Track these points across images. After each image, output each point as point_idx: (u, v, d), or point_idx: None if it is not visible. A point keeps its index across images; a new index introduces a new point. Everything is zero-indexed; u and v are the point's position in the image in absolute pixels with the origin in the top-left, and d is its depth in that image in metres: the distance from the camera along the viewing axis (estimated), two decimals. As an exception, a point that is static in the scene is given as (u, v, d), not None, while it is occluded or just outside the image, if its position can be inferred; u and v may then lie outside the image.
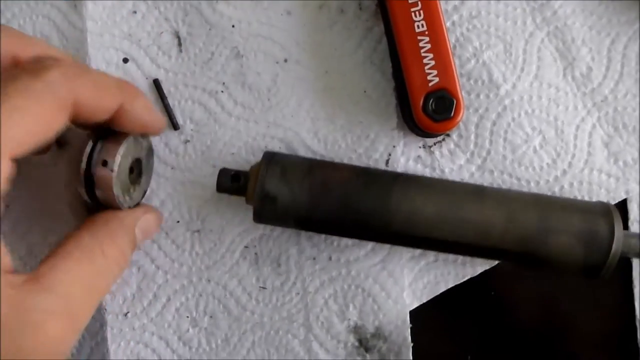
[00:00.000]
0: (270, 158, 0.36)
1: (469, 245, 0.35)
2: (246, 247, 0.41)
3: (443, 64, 0.35)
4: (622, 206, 0.40)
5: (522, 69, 0.40)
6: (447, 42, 0.35)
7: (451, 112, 0.35)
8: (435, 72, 0.35)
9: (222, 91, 0.41)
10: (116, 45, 0.41)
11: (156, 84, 0.41)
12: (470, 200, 0.35)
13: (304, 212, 0.34)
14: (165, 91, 0.41)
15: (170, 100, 0.41)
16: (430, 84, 0.35)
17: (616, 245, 0.34)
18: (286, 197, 0.34)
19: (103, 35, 0.41)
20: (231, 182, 0.36)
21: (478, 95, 0.40)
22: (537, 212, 0.34)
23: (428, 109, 0.35)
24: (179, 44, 0.41)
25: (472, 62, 0.40)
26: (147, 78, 0.41)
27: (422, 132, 0.38)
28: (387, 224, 0.34)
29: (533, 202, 0.35)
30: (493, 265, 0.40)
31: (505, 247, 0.34)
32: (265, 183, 0.35)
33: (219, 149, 0.40)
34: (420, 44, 0.35)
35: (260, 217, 0.36)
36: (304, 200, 0.34)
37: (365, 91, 0.40)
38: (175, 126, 0.41)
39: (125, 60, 0.41)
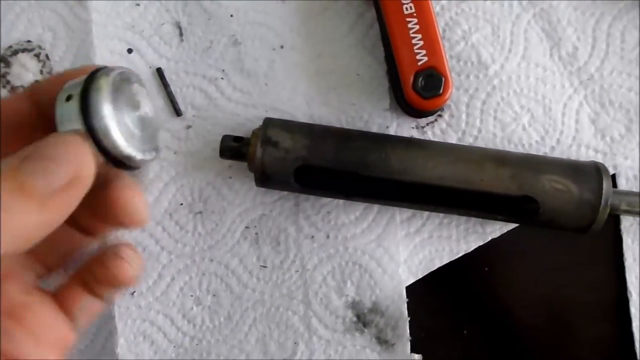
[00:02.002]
0: (271, 119, 0.38)
1: (463, 191, 0.36)
2: (247, 227, 0.42)
3: (431, 44, 0.37)
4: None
5: (510, 50, 0.41)
6: (435, 23, 0.37)
7: (440, 89, 0.36)
8: (424, 51, 0.37)
9: (221, 77, 0.42)
10: (120, 36, 0.43)
11: (159, 72, 0.43)
12: (463, 147, 0.38)
13: (304, 154, 0.36)
14: (167, 79, 0.42)
15: (172, 88, 0.42)
16: (419, 63, 0.37)
17: (606, 185, 0.36)
18: (287, 141, 0.36)
19: (107, 27, 0.43)
20: (233, 141, 0.38)
21: (468, 76, 0.41)
22: (526, 157, 0.37)
23: (418, 87, 0.37)
24: (180, 34, 0.43)
25: (462, 44, 0.41)
26: (150, 67, 0.43)
27: (414, 111, 0.40)
28: (384, 161, 0.36)
29: (523, 154, 0.39)
30: (487, 241, 0.41)
31: (499, 188, 0.36)
32: (267, 131, 0.37)
33: (220, 133, 0.42)
34: (409, 25, 0.37)
35: (262, 170, 0.37)
36: (305, 142, 0.36)
37: (358, 74, 0.42)
38: (177, 112, 0.42)
39: (130, 51, 0.43)
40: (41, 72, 0.44)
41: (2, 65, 0.44)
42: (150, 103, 0.28)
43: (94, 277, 0.29)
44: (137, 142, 0.26)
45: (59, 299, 0.29)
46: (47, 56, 0.44)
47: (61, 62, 0.43)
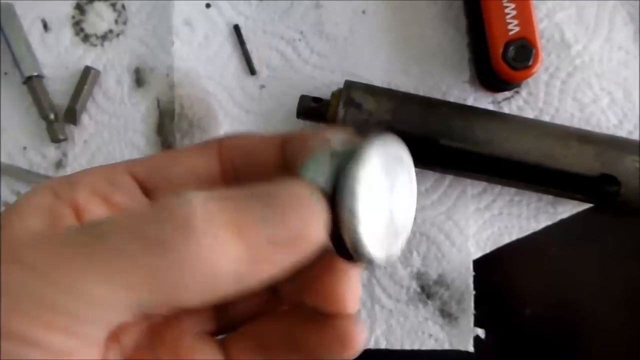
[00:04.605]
0: (353, 82, 0.38)
1: (544, 167, 0.36)
2: (314, 191, 0.42)
3: (524, 14, 0.36)
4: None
5: (594, 31, 0.41)
6: (529, -6, 0.37)
7: (530, 60, 0.36)
8: (516, 21, 0.36)
9: (299, 39, 0.42)
10: (200, -10, 0.42)
11: (236, 29, 0.42)
12: (546, 123, 0.38)
13: (388, 117, 0.36)
14: (244, 37, 0.42)
15: (248, 46, 0.42)
16: (511, 33, 0.36)
17: None
18: (371, 104, 0.36)
19: (188, -20, 0.42)
20: (312, 102, 0.38)
21: (549, 55, 0.41)
22: (609, 137, 0.37)
23: (507, 57, 0.36)
24: (260, -7, 0.42)
25: (545, 22, 0.41)
26: (227, 24, 0.42)
27: (496, 84, 0.39)
28: (469, 131, 0.36)
29: (605, 134, 0.39)
30: (556, 221, 0.41)
31: (583, 166, 0.36)
32: (350, 92, 0.36)
33: (294, 95, 0.41)
34: (503, -5, 0.36)
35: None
36: (389, 106, 0.36)
37: (439, 45, 0.41)
38: (252, 71, 0.42)
39: (208, 6, 0.42)
40: (116, 22, 0.43)
41: (77, 12, 0.44)
42: (410, 187, 0.22)
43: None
44: (379, 239, 0.20)
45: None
46: (123, 6, 0.43)
47: (138, 13, 0.43)
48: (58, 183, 0.21)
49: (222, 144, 0.24)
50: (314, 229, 0.18)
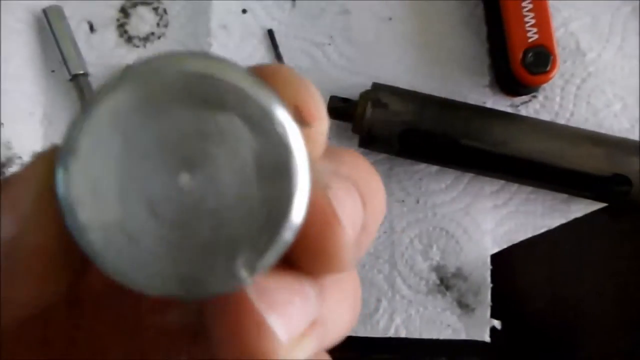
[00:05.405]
0: (380, 84, 0.40)
1: (558, 166, 0.38)
2: (340, 187, 0.44)
3: (542, 22, 0.39)
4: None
5: (608, 40, 0.43)
6: (548, 4, 0.39)
7: (547, 66, 0.39)
8: (535, 29, 0.39)
9: (329, 44, 0.45)
10: (237, -4, 0.45)
11: (270, 34, 0.45)
12: (561, 126, 0.41)
13: (412, 118, 0.39)
14: (277, 41, 0.45)
15: (281, 49, 0.45)
16: (530, 40, 0.39)
17: None
18: (396, 104, 0.39)
19: (226, -13, 0.45)
20: (341, 102, 0.40)
21: (565, 62, 0.43)
22: (620, 139, 0.40)
23: (526, 63, 0.39)
24: None
25: (561, 30, 0.43)
26: (261, 28, 0.45)
27: (514, 89, 0.42)
28: (488, 131, 0.39)
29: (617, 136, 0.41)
30: (569, 219, 0.43)
31: (594, 166, 0.38)
32: (378, 93, 0.39)
33: (323, 96, 0.44)
34: (523, 4, 0.39)
35: (370, 131, 0.39)
36: (412, 107, 0.39)
37: (461, 51, 0.44)
38: (283, 73, 0.45)
39: (244, 11, 0.45)
40: (158, 24, 0.46)
41: (122, 15, 0.47)
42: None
43: None
44: (152, 252, 0.12)
45: None
46: (164, 10, 0.46)
47: (178, 16, 0.46)
48: None
49: None
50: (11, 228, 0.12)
